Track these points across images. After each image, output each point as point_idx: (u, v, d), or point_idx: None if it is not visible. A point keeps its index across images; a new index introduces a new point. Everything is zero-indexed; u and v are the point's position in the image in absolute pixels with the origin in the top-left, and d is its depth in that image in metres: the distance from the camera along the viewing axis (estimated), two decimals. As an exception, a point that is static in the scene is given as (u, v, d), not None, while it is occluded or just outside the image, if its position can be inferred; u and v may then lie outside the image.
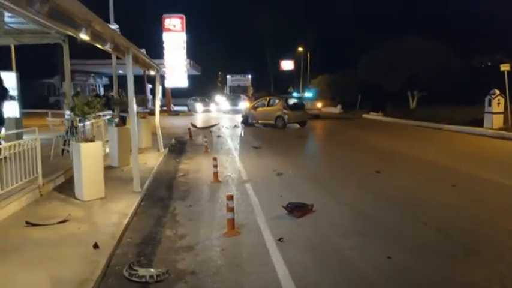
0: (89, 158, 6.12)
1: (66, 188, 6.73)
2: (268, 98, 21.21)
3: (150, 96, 33.13)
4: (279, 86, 52.61)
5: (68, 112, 10.11)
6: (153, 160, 9.90)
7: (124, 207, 5.81)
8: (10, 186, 5.51)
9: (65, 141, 9.23)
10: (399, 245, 4.63)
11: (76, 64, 34.68)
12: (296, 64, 53.17)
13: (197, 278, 3.83)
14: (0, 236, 4.58)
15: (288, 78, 53.02)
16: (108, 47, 5.39)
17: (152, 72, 10.23)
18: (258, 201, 6.42)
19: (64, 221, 5.13)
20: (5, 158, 5.58)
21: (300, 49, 47.40)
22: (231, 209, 5.01)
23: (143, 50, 8.21)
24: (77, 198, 6.17)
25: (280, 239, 4.74)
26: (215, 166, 8.01)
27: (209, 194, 7.18)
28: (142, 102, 13.09)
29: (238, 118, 24.22)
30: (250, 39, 55.51)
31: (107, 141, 9.89)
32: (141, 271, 3.83)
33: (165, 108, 35.17)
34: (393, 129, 19.93)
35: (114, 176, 7.88)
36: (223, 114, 32.18)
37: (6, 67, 14.92)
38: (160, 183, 7.88)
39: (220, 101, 38.76)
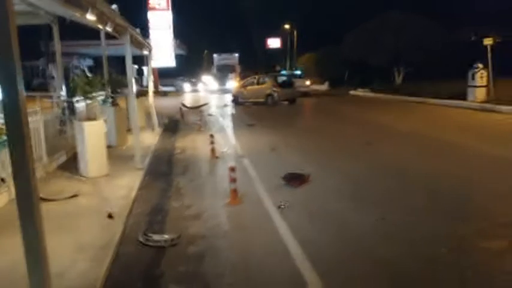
0: (93, 136, 6.33)
1: (69, 166, 6.94)
2: (258, 77, 21.37)
3: (137, 77, 32.86)
4: (265, 65, 52.52)
5: (62, 93, 10.18)
6: (149, 139, 10.11)
7: (129, 182, 6.08)
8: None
9: (61, 121, 9.34)
10: (392, 208, 5.02)
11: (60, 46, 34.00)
12: (283, 42, 52.95)
13: (208, 241, 4.16)
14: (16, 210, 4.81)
15: (275, 56, 52.84)
16: (108, 28, 5.52)
17: (145, 52, 10.30)
18: (256, 173, 6.75)
19: (74, 196, 5.38)
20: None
21: (287, 26, 47.16)
22: (233, 180, 5.31)
23: (137, 30, 8.29)
24: (81, 175, 6.40)
25: (279, 206, 5.08)
26: (212, 142, 8.28)
27: (208, 168, 7.47)
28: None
29: (227, 98, 24.36)
30: (236, 17, 54.91)
31: (104, 120, 10.03)
32: (156, 236, 4.15)
33: (152, 88, 35.01)
34: (380, 104, 20.36)
35: (114, 154, 8.09)
36: (211, 94, 32.12)
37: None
38: (159, 160, 8.14)
39: (208, 80, 38.54)
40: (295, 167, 6.94)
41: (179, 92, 34.79)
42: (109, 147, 8.94)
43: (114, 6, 5.65)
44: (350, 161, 7.65)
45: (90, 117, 6.46)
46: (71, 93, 8.80)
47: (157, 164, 7.75)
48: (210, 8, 55.04)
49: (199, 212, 5.03)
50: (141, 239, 4.13)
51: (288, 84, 20.32)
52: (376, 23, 28.26)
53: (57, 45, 11.11)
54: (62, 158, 7.39)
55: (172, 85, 37.92)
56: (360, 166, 7.25)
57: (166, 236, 4.17)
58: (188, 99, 26.81)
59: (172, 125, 13.56)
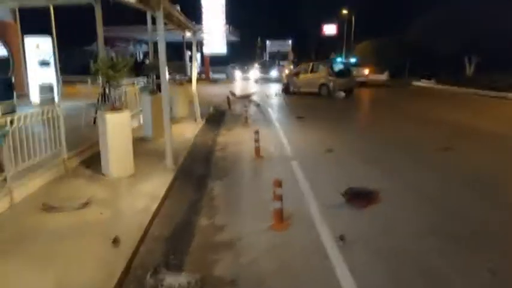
0: (116, 130, 5.37)
1: (95, 162, 6.04)
2: (311, 64, 19.76)
3: (189, 64, 32.33)
4: (320, 52, 50.15)
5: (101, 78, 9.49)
6: (189, 131, 9.12)
7: (155, 187, 5.06)
8: (28, 161, 4.86)
9: (96, 109, 8.62)
10: (501, 253, 3.54)
11: (116, 31, 34.43)
12: (339, 29, 50.33)
13: (239, 291, 2.99)
14: (12, 223, 3.95)
15: (330, 44, 50.34)
16: (132, -1, 4.46)
17: (188, 34, 9.27)
18: (308, 184, 5.45)
19: (86, 204, 4.44)
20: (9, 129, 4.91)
21: (344, 11, 44.46)
22: (278, 198, 4.08)
23: (177, 7, 7.23)
24: (104, 175, 5.50)
25: (341, 237, 3.78)
26: (256, 141, 7.07)
27: (251, 171, 6.29)
28: (179, 68, 12.25)
29: (274, 87, 23.02)
30: (291, 2, 52.91)
31: (141, 110, 9.21)
32: (168, 279, 3.03)
33: (203, 75, 34.52)
34: (451, 99, 18.04)
35: (146, 149, 7.18)
36: (256, 83, 30.50)
37: (48, 33, 14.52)
38: (196, 158, 7.08)
39: (258, 68, 36.72)
40: (358, 177, 5.58)
41: (230, 79, 33.93)
42: (143, 140, 8.10)
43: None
44: (428, 173, 6.09)
45: (116, 107, 5.49)
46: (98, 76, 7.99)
47: (192, 163, 6.68)
48: (264, -7, 53.44)
49: (233, 238, 3.86)
50: (149, 282, 3.04)
51: (345, 73, 18.51)
52: (448, 8, 25.39)
53: (99, 27, 10.34)
54: (88, 152, 6.55)
55: (223, 72, 37.15)
56: (443, 181, 5.68)
57: (182, 278, 3.05)
58: (238, 87, 25.80)
59: (217, 116, 12.54)
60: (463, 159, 6.84)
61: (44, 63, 11.82)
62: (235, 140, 8.85)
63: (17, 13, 18.77)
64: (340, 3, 44.86)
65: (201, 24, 30.96)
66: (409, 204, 4.76)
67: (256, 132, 7.10)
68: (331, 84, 17.55)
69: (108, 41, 35.99)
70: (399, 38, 30.81)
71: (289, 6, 53.31)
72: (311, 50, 54.58)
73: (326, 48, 48.58)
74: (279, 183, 4.05)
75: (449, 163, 6.58)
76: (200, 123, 10.41)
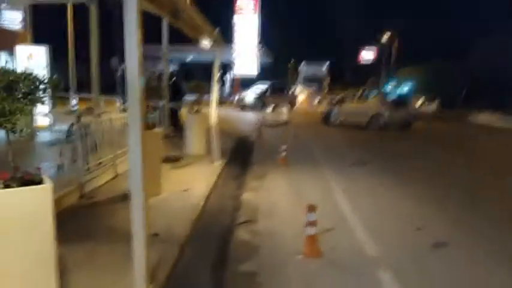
0: (16, 225, 2.43)
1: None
2: (360, 91, 16.64)
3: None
4: (357, 78, 46.87)
5: (74, 102, 6.77)
6: (200, 182, 6.12)
7: None
8: None
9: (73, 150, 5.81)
10: None
11: (147, 50, 32.56)
12: (378, 53, 47.14)
13: None
14: None
15: (367, 69, 47.08)
16: None
17: (205, 43, 6.43)
18: None
19: None
20: None
21: (385, 36, 41.21)
22: None
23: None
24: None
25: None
26: (311, 224, 3.93)
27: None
28: (197, 88, 9.48)
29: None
30: (326, 25, 50.40)
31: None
32: None
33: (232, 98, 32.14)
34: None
35: (122, 219, 4.19)
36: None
37: (64, 48, 12.28)
38: (201, 250, 3.99)
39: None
40: None
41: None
42: (127, 198, 5.17)
43: None
44: None
45: (6, 176, 2.52)
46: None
47: (190, 269, 3.60)
48: (300, 15, 51.34)
49: None
50: None
51: (401, 103, 15.20)
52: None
53: (94, 33, 7.74)
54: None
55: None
56: None
57: None
58: (270, 112, 22.80)
59: (243, 152, 9.55)
60: None
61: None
62: (269, 199, 5.79)
63: (28, 21, 16.85)
64: (381, 25, 41.87)
65: (232, 44, 28.64)
66: None
67: (311, 209, 3.95)
68: (386, 116, 14.27)
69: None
70: (458, 63, 27.16)
71: (325, 28, 50.74)
72: (346, 74, 51.41)
73: (363, 74, 45.36)
74: None
75: None
76: (219, 166, 7.42)
